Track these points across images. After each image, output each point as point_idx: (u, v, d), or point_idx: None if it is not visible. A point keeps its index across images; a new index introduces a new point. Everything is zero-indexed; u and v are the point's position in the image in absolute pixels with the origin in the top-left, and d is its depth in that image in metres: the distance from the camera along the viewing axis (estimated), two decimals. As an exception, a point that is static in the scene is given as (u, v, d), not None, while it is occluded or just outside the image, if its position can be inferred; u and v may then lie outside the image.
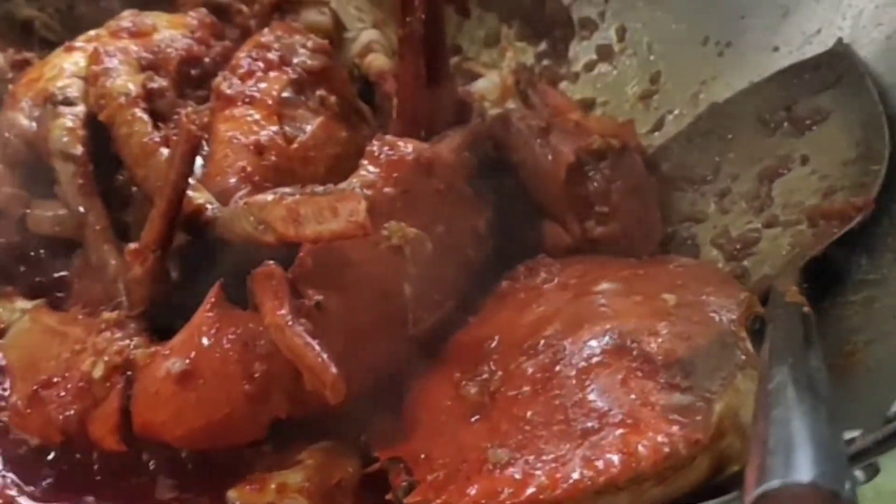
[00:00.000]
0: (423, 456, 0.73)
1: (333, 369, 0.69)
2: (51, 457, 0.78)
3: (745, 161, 0.97)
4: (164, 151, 0.82)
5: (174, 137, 0.81)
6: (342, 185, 0.74)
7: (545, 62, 1.17)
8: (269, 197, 0.74)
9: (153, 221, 0.77)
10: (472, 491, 0.68)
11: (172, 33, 0.93)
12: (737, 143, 0.99)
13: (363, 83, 1.02)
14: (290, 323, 0.71)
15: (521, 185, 0.92)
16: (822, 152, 0.93)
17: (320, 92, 0.89)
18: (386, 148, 0.82)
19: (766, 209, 0.93)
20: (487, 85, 1.07)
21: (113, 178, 0.88)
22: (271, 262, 0.75)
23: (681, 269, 0.82)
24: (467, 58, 1.17)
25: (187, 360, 0.73)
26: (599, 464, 0.64)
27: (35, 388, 0.77)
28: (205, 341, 0.74)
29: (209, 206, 0.78)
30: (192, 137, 0.74)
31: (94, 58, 0.90)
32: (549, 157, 0.89)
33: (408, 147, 0.82)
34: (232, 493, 0.75)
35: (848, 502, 0.43)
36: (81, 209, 0.85)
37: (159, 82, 0.89)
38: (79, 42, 0.94)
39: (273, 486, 0.75)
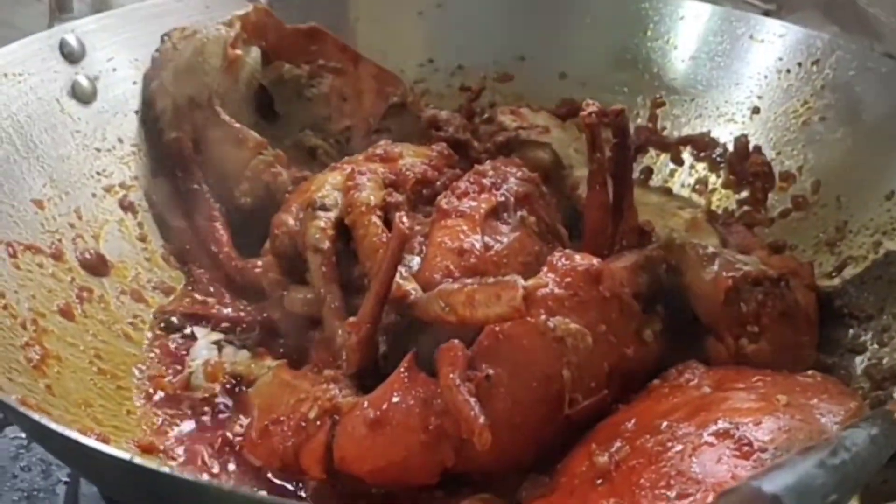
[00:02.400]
0: (550, 510, 0.88)
1: (482, 420, 0.85)
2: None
3: (906, 301, 1.07)
4: (384, 249, 1.03)
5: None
6: (510, 276, 0.91)
7: (745, 208, 1.31)
8: (456, 286, 0.93)
9: (368, 300, 0.97)
10: (595, 546, 0.82)
11: (414, 160, 1.16)
12: (900, 286, 1.09)
13: (573, 212, 1.20)
14: (457, 384, 0.88)
15: (689, 304, 1.06)
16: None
17: (521, 213, 1.07)
18: (564, 258, 0.99)
19: (912, 341, 1.02)
20: (679, 221, 1.21)
21: (351, 271, 1.09)
22: (456, 340, 0.93)
23: (809, 379, 0.93)
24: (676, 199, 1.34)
25: (379, 412, 0.92)
26: (681, 514, 0.77)
27: (266, 423, 0.99)
28: (395, 398, 0.92)
29: (413, 292, 0.97)
30: (402, 234, 0.94)
31: (350, 175, 1.13)
32: (712, 281, 1.03)
33: (583, 260, 0.99)
34: (407, 526, 0.93)
35: None
36: (322, 291, 1.07)
37: (396, 197, 1.11)
38: (341, 163, 1.19)
39: (438, 524, 0.92)
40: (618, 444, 0.89)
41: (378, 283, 0.96)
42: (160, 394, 1.06)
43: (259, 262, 1.18)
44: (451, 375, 0.89)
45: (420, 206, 1.13)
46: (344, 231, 1.10)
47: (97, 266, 1.14)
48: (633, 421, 0.92)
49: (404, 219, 0.96)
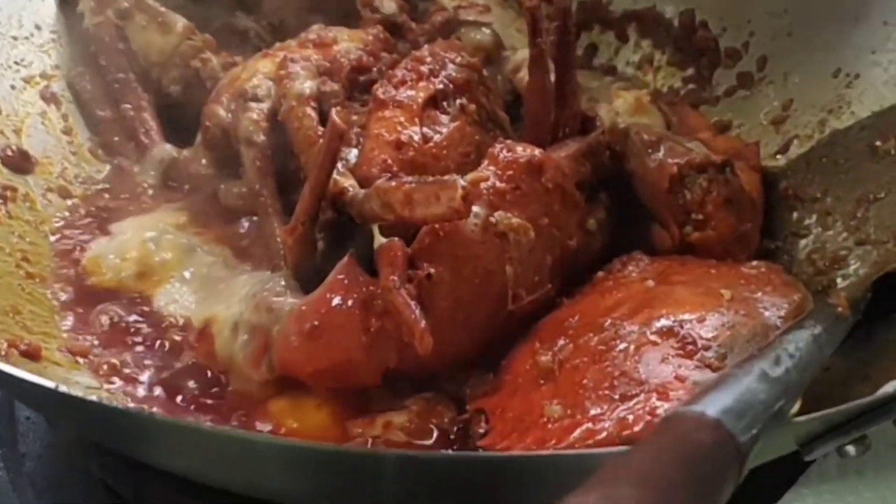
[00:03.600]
0: (500, 410, 0.87)
1: (423, 324, 0.84)
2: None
3: (850, 184, 1.05)
4: (321, 142, 0.99)
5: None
6: (449, 176, 0.88)
7: (690, 86, 1.28)
8: (394, 183, 0.90)
9: (304, 197, 0.94)
10: (528, 439, 0.81)
11: (349, 45, 1.11)
12: (847, 168, 1.07)
13: (514, 96, 1.17)
14: (398, 286, 0.86)
15: (633, 191, 1.04)
16: (922, 181, 1.00)
17: (461, 101, 1.04)
18: (505, 150, 0.96)
19: (861, 228, 1.01)
20: (623, 103, 1.18)
21: (287, 164, 1.06)
22: (395, 238, 0.91)
23: (752, 270, 0.92)
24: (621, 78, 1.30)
25: (318, 315, 0.90)
26: (627, 422, 0.76)
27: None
28: (334, 300, 0.90)
29: (350, 188, 0.94)
30: (337, 130, 0.90)
31: (282, 63, 1.08)
32: (656, 168, 1.01)
33: (524, 151, 0.96)
34: (350, 424, 0.91)
35: (742, 448, 0.52)
36: (257, 186, 1.04)
37: (331, 86, 1.06)
38: (273, 50, 1.14)
39: (381, 422, 0.90)
40: (561, 342, 0.88)
41: (313, 180, 0.93)
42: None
43: (190, 154, 1.14)
44: (392, 277, 0.87)
45: (356, 94, 1.09)
46: (278, 122, 1.06)
47: (20, 163, 1.10)
48: (576, 317, 0.91)
49: (342, 112, 0.92)
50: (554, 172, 0.97)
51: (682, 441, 0.48)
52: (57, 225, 1.09)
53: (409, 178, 0.90)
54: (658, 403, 0.77)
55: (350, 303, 0.90)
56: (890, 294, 0.95)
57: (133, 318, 1.00)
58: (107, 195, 1.13)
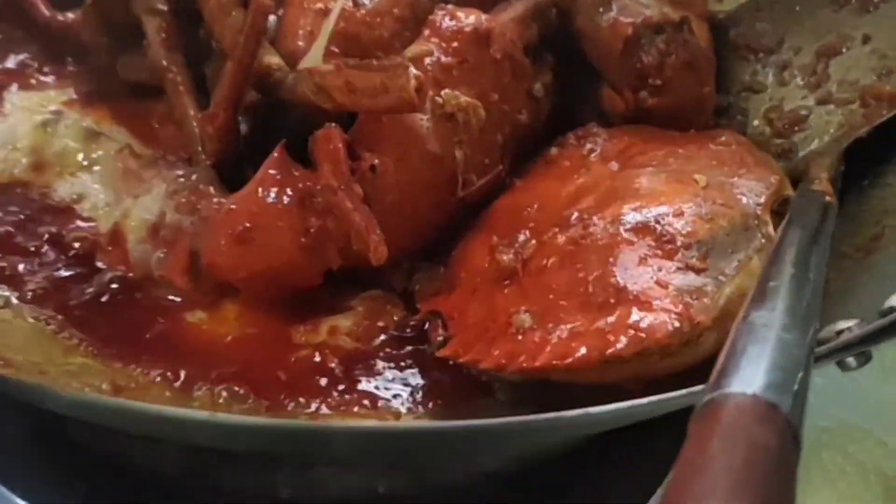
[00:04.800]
0: (458, 313, 0.80)
1: (377, 235, 0.76)
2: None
3: (808, 34, 0.98)
4: (239, 12, 0.87)
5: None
6: (397, 58, 0.79)
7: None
8: (331, 66, 0.80)
9: (225, 81, 0.83)
10: (496, 352, 0.75)
11: None
12: (803, 16, 0.99)
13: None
14: (343, 187, 0.77)
15: (581, 52, 0.95)
16: (883, 31, 0.93)
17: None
18: (447, 18, 0.86)
19: (822, 86, 0.94)
20: None
21: (195, 33, 0.93)
22: (332, 124, 0.81)
23: (721, 148, 0.85)
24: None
25: (250, 216, 0.80)
26: (609, 337, 0.70)
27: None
28: (267, 197, 0.81)
29: (277, 69, 0.83)
30: (263, 7, 0.79)
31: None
32: (609, 28, 0.92)
33: (469, 18, 0.86)
34: (292, 331, 0.84)
35: (786, 416, 0.47)
36: (164, 63, 0.91)
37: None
38: None
39: (326, 328, 0.83)
40: (522, 236, 0.81)
41: (236, 62, 0.82)
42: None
43: (79, 19, 1.00)
44: (335, 175, 0.78)
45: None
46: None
47: None
48: (535, 205, 0.84)
49: (260, -15, 0.80)
50: (502, 41, 0.87)
51: (748, 444, 0.42)
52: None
53: (350, 61, 0.79)
54: (641, 315, 0.71)
55: (286, 200, 0.80)
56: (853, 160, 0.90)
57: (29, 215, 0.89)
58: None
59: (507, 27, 0.89)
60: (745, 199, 0.78)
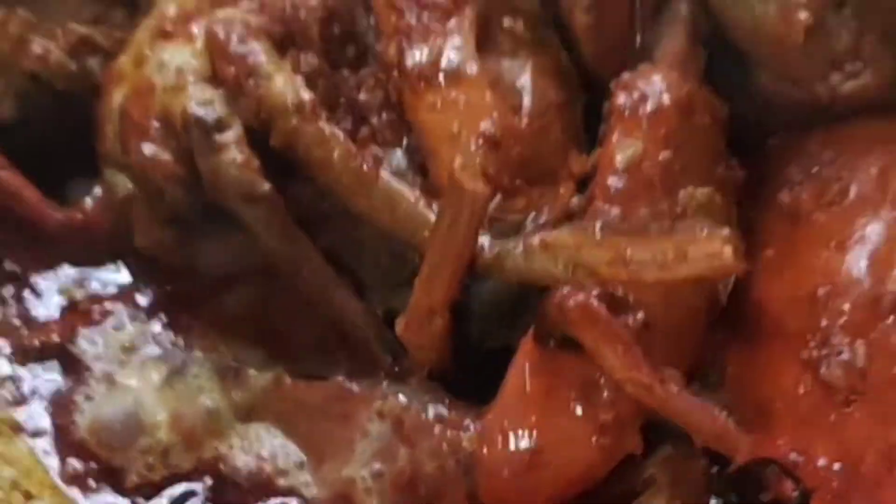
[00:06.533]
0: (794, 455, 0.67)
1: (743, 434, 0.61)
2: None
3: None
4: (386, 177, 0.67)
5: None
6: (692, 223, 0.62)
7: None
8: (580, 236, 0.62)
9: (429, 284, 0.64)
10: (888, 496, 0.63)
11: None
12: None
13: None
14: (665, 385, 0.62)
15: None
16: None
17: (507, 22, 0.72)
18: (637, 98, 0.68)
19: None
20: None
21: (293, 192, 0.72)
22: (568, 288, 0.64)
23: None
24: None
25: (530, 438, 0.64)
26: None
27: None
28: (545, 407, 0.65)
29: (485, 247, 0.64)
30: (479, 199, 0.60)
31: (217, 48, 0.70)
32: (777, 17, 0.75)
33: (661, 92, 0.69)
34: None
35: None
36: (287, 252, 0.70)
37: (309, 63, 0.70)
38: (169, 16, 0.74)
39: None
40: (836, 338, 0.67)
41: (447, 269, 0.63)
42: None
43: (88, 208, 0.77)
44: (638, 368, 0.62)
45: (336, 55, 0.73)
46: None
47: None
48: (824, 288, 0.69)
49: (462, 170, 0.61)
50: (702, 101, 0.70)
51: None
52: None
53: (598, 224, 0.62)
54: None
55: (570, 406, 0.64)
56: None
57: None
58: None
59: (691, 77, 0.71)
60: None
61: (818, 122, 0.77)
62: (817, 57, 0.75)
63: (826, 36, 0.75)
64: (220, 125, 0.69)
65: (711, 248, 0.58)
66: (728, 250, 0.58)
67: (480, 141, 0.67)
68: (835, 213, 0.72)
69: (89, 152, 0.76)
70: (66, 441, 0.71)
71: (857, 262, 0.69)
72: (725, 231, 0.60)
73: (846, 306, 0.68)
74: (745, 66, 0.79)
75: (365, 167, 0.67)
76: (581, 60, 0.74)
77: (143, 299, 0.76)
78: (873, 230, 0.70)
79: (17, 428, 0.71)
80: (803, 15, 0.74)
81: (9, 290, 0.77)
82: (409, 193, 0.67)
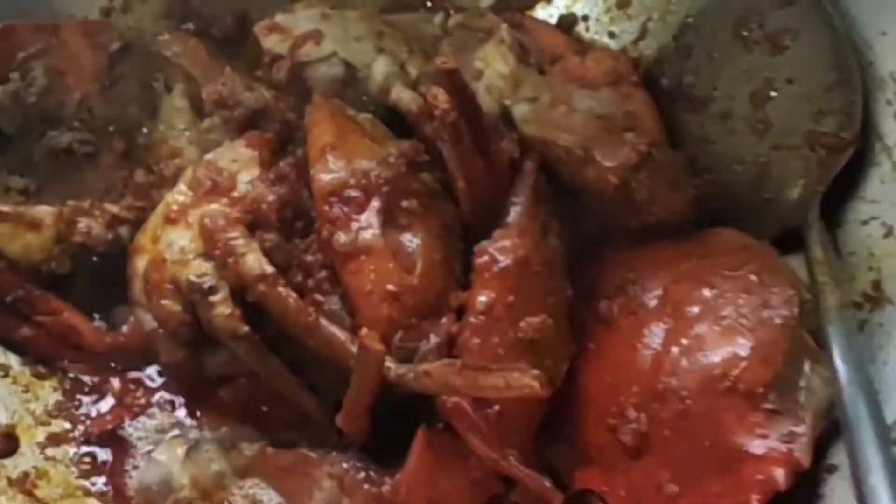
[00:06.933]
0: (608, 488, 1.01)
1: (549, 486, 0.94)
2: None
3: (736, 80, 1.12)
4: (325, 323, 0.99)
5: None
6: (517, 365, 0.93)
7: (518, -9, 1.25)
8: (448, 369, 0.94)
9: (354, 400, 0.98)
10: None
11: (249, 185, 1.05)
12: (723, 62, 1.13)
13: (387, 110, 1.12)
14: (507, 460, 0.95)
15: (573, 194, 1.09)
16: (803, 72, 1.08)
17: (405, 203, 1.03)
18: (487, 260, 1.00)
19: (769, 132, 1.10)
20: (495, 80, 1.13)
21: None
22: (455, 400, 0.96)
23: (747, 273, 1.01)
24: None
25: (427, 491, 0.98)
26: (742, 498, 0.92)
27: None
28: (432, 469, 0.98)
29: (391, 368, 0.97)
30: (378, 354, 0.94)
31: (206, 235, 1.02)
32: (595, 179, 1.05)
33: (504, 254, 1.00)
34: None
35: None
36: (266, 371, 1.04)
37: (270, 239, 1.02)
38: (173, 208, 1.06)
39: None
40: (631, 413, 0.99)
41: (358, 395, 0.97)
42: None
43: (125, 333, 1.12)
44: (492, 453, 0.95)
45: (289, 228, 1.05)
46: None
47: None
48: (623, 378, 1.01)
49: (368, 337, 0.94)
50: (537, 255, 1.02)
51: None
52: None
53: (457, 363, 0.95)
54: (760, 469, 0.93)
55: (452, 465, 0.98)
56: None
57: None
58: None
59: (530, 237, 1.03)
60: (777, 321, 0.97)
61: (634, 239, 1.09)
62: (626, 203, 1.07)
63: (629, 191, 1.05)
64: (213, 290, 1.02)
65: (527, 381, 0.91)
66: (536, 383, 0.91)
67: (386, 296, 1.00)
68: (632, 321, 1.04)
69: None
70: (120, 499, 1.07)
71: (644, 359, 1.02)
72: (535, 371, 0.91)
73: (635, 389, 1.01)
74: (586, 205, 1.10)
75: (310, 318, 1.00)
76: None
77: (167, 396, 1.11)
78: (656, 336, 1.03)
79: (87, 492, 1.07)
80: (612, 181, 1.05)
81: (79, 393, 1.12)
82: (341, 334, 0.99)
